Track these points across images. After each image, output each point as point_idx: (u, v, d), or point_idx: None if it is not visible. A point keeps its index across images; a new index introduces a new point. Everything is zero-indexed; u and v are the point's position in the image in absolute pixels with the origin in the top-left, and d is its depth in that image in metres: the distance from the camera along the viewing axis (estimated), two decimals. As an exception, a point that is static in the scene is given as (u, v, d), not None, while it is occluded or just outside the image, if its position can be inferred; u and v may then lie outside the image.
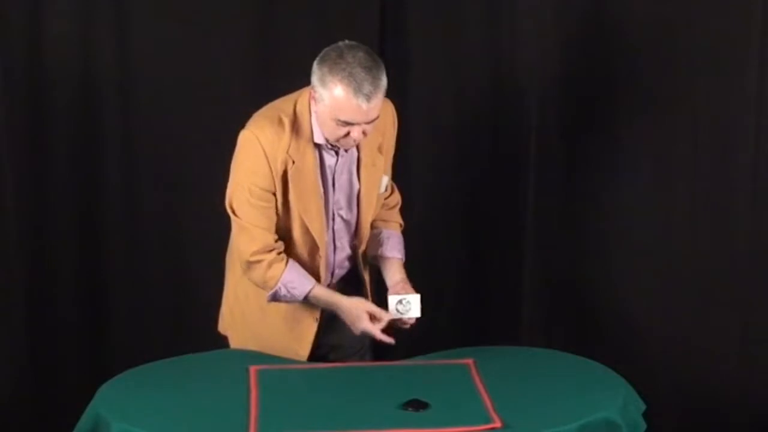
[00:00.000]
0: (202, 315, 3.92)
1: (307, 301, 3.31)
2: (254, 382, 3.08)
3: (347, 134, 3.12)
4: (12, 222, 4.06)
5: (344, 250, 3.40)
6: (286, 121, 3.20)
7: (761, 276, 4.10)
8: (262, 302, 3.34)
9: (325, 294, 3.31)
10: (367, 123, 3.11)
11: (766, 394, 4.16)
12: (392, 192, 3.53)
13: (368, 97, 3.05)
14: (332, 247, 3.36)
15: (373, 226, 3.46)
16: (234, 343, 3.50)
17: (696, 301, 4.16)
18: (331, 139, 3.17)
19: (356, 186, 3.33)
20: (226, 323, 3.52)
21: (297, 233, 3.29)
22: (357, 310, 3.28)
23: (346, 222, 3.37)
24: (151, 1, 4.07)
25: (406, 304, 3.31)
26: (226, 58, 4.09)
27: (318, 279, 3.34)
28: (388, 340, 3.29)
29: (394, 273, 3.43)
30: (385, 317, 3.29)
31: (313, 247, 3.32)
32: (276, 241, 3.27)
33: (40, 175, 4.12)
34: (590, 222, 4.23)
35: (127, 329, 4.25)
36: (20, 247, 4.10)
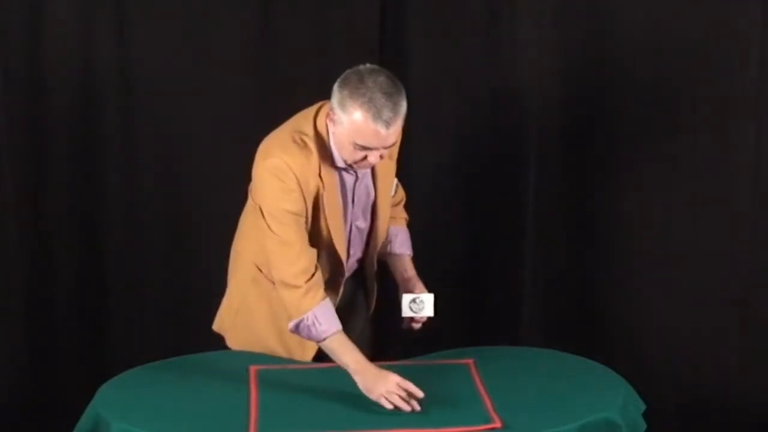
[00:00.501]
0: (202, 315, 3.91)
1: (325, 346, 3.18)
2: (254, 382, 3.08)
3: (364, 158, 3.10)
4: (12, 222, 4.06)
5: (356, 255, 3.40)
6: (312, 145, 3.16)
7: (761, 276, 4.10)
8: (276, 309, 3.31)
9: (348, 346, 3.15)
10: (385, 148, 3.09)
11: (766, 394, 4.16)
12: (397, 189, 3.54)
13: (387, 124, 3.02)
14: (347, 257, 3.35)
15: None
16: (232, 344, 3.50)
17: (696, 300, 4.16)
18: (349, 161, 3.14)
19: (372, 196, 3.33)
20: (226, 324, 3.51)
21: (322, 249, 3.25)
22: (385, 378, 3.06)
23: (359, 230, 3.36)
24: (151, 1, 4.07)
25: (420, 303, 3.30)
26: (225, 59, 4.08)
27: (336, 294, 3.32)
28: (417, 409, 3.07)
29: (404, 270, 3.42)
30: (419, 394, 3.05)
31: (336, 262, 3.30)
32: (317, 266, 3.20)
33: (40, 175, 4.11)
34: (590, 222, 4.23)
35: (127, 329, 4.25)
36: (20, 247, 4.10)
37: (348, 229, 3.31)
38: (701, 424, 4.22)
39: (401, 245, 3.47)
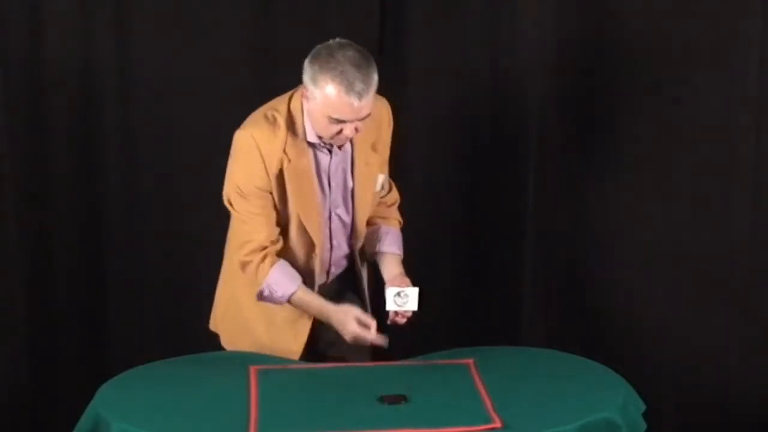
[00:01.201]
0: (202, 315, 3.91)
1: (292, 304, 3.31)
2: (254, 382, 3.08)
3: (339, 131, 3.15)
4: (12, 222, 4.06)
5: (341, 249, 3.41)
6: (281, 120, 3.23)
7: (761, 276, 4.10)
8: (254, 306, 3.37)
9: (311, 299, 3.32)
10: (359, 120, 3.14)
11: (766, 394, 4.16)
12: (390, 190, 3.54)
13: (360, 95, 3.08)
14: (329, 245, 3.38)
15: (371, 223, 3.48)
16: (225, 340, 3.50)
17: (696, 301, 4.16)
18: (324, 136, 3.20)
19: (350, 184, 3.35)
20: (218, 320, 3.53)
21: (294, 232, 3.31)
22: (345, 315, 3.28)
23: (342, 222, 3.38)
24: (151, 0, 4.07)
25: (404, 297, 3.30)
26: (225, 59, 4.08)
27: (312, 278, 3.35)
28: (381, 341, 3.29)
29: (392, 268, 3.44)
30: (372, 323, 3.28)
31: (310, 246, 3.33)
32: (275, 240, 3.28)
33: (40, 175, 4.11)
34: (591, 222, 4.23)
35: (127, 329, 4.25)
36: (20, 247, 4.10)
37: (328, 215, 3.34)
38: (701, 424, 4.22)
39: (390, 244, 3.48)
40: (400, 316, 3.33)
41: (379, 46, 4.15)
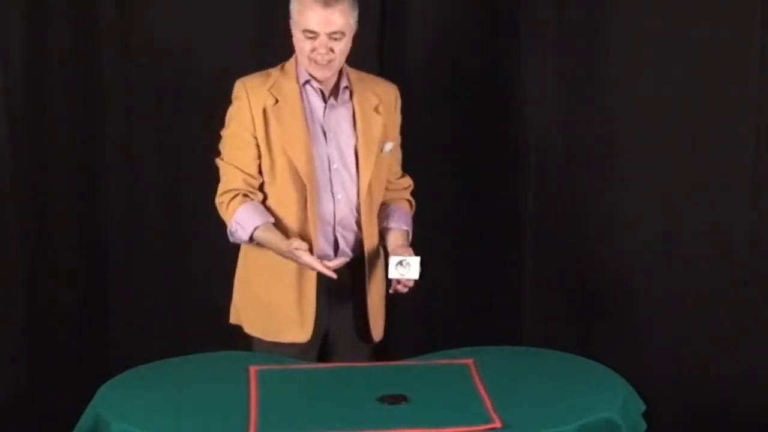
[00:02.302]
0: (202, 315, 3.92)
1: (256, 241, 3.36)
2: (254, 382, 3.08)
3: (314, 50, 3.29)
4: (12, 221, 4.06)
5: (348, 205, 3.43)
6: (273, 72, 3.43)
7: (761, 276, 4.10)
8: (266, 278, 3.42)
9: (274, 235, 3.35)
10: (331, 33, 3.28)
11: (766, 394, 4.16)
12: (403, 175, 3.62)
13: (326, 2, 3.25)
14: (331, 198, 3.40)
15: (384, 204, 3.53)
16: (248, 326, 3.51)
17: (696, 300, 4.16)
18: (304, 56, 3.32)
19: (352, 140, 3.42)
20: (238, 307, 3.55)
21: (284, 174, 3.37)
22: (289, 244, 3.29)
23: (346, 175, 3.42)
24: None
25: (406, 266, 3.32)
26: (225, 58, 4.08)
27: (307, 231, 3.37)
28: (329, 273, 3.29)
29: (395, 239, 3.47)
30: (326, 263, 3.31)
31: (303, 191, 3.37)
32: (252, 190, 3.38)
33: (40, 175, 4.11)
34: (591, 222, 4.23)
35: (127, 329, 4.25)
36: (20, 247, 4.10)
37: (325, 164, 3.39)
38: (701, 424, 4.22)
39: (398, 220, 3.53)
40: (401, 284, 3.36)
41: (379, 45, 4.16)
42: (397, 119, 3.54)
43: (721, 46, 4.01)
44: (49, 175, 4.13)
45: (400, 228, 3.51)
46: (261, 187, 3.41)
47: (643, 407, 3.14)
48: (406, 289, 3.38)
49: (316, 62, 3.32)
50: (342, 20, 3.29)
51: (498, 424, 2.84)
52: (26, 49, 4.02)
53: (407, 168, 3.85)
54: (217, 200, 3.42)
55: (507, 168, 4.28)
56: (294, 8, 3.33)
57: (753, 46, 3.98)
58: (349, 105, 3.43)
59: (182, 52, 4.10)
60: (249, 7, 4.13)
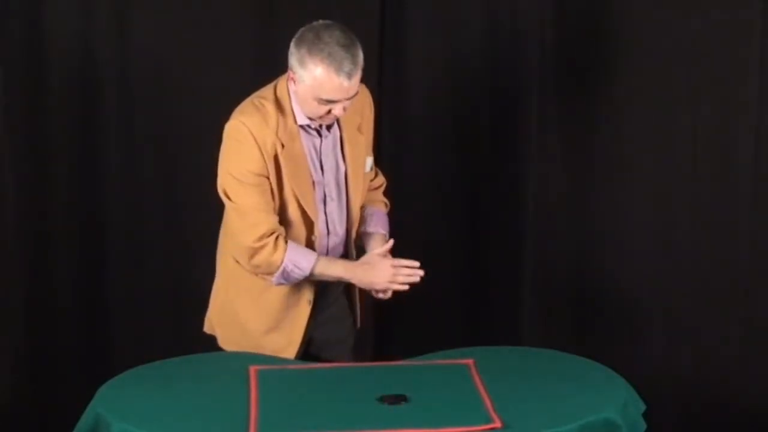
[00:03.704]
0: (202, 315, 3.91)
1: (314, 277, 3.30)
2: (254, 382, 3.08)
3: (329, 112, 3.19)
4: (12, 222, 4.06)
5: (337, 236, 3.41)
6: (270, 107, 3.26)
7: (761, 276, 4.10)
8: (255, 296, 3.38)
9: (334, 261, 3.33)
10: (348, 99, 3.17)
11: (766, 394, 4.16)
12: (377, 175, 3.57)
13: (349, 75, 3.12)
14: (326, 232, 3.38)
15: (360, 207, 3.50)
16: (223, 340, 3.50)
17: (696, 300, 4.16)
18: (313, 117, 3.23)
19: (342, 167, 3.37)
20: (214, 321, 3.53)
21: (293, 216, 3.31)
22: (375, 265, 3.27)
23: (338, 206, 3.39)
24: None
25: None
26: (226, 58, 4.09)
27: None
28: (415, 269, 3.27)
29: (374, 245, 3.44)
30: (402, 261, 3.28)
31: (309, 230, 3.34)
32: (279, 227, 3.29)
33: (40, 174, 4.12)
34: (590, 222, 4.23)
35: (127, 329, 4.25)
36: (20, 247, 4.10)
37: (323, 198, 3.34)
38: (701, 424, 4.22)
39: (375, 224, 3.50)
40: (381, 292, 3.34)
41: (379, 45, 4.16)
42: (372, 127, 3.48)
43: (721, 46, 4.01)
44: (49, 175, 4.13)
45: (377, 232, 3.49)
46: None
47: (643, 407, 3.13)
48: (388, 295, 3.35)
49: (327, 120, 3.23)
50: (359, 80, 3.17)
51: (498, 424, 2.83)
52: (26, 50, 4.02)
53: (408, 169, 3.86)
54: (255, 245, 3.24)
55: (507, 168, 4.27)
56: (304, 75, 3.15)
57: (753, 46, 3.98)
58: (337, 132, 3.37)
59: (184, 50, 4.10)
60: (250, 10, 4.12)
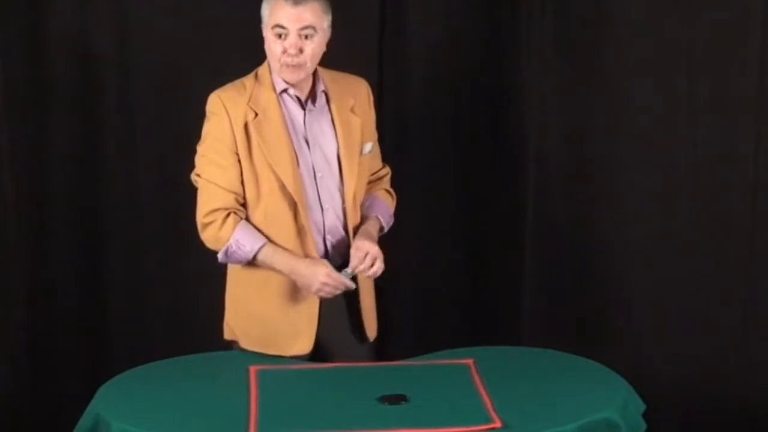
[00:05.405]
0: (202, 315, 3.91)
1: (257, 262, 3.32)
2: (254, 382, 3.08)
3: (285, 51, 3.25)
4: (12, 221, 4.06)
5: (335, 212, 3.40)
6: (248, 81, 3.38)
7: (761, 276, 4.10)
8: (263, 281, 3.38)
9: (280, 253, 3.32)
10: (301, 29, 3.24)
11: (766, 395, 4.15)
12: (383, 167, 3.60)
13: (297, 0, 3.24)
14: (320, 209, 3.38)
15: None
16: (243, 339, 3.46)
17: (696, 301, 4.16)
18: (276, 63, 3.29)
19: (333, 145, 3.39)
20: (231, 324, 3.50)
21: (271, 189, 3.32)
22: (316, 268, 3.29)
23: (331, 184, 3.39)
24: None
25: (345, 273, 3.34)
26: (225, 53, 4.08)
27: (307, 243, 3.34)
28: (350, 284, 3.32)
29: (362, 230, 3.43)
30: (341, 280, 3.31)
31: (290, 200, 3.33)
32: (239, 204, 3.33)
33: (40, 174, 4.12)
34: (590, 222, 4.23)
35: (127, 329, 4.25)
36: (20, 247, 4.10)
37: (311, 175, 3.35)
38: (701, 425, 4.22)
39: (369, 208, 3.50)
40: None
41: (378, 44, 4.16)
42: (372, 115, 3.51)
43: (721, 45, 4.00)
44: (49, 174, 4.13)
45: (366, 215, 3.49)
46: (244, 205, 3.36)
47: (643, 407, 3.14)
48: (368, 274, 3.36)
49: (287, 65, 3.28)
50: (312, 17, 3.25)
51: (498, 424, 2.84)
52: (26, 48, 4.02)
53: (408, 167, 3.86)
54: (204, 219, 3.32)
55: (507, 168, 4.27)
56: (265, 11, 3.30)
57: (753, 46, 3.97)
58: (327, 109, 3.40)
59: (183, 51, 4.10)
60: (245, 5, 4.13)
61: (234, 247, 3.30)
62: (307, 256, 3.34)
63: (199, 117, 4.06)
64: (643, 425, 3.07)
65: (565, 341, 3.85)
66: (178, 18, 4.10)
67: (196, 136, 4.06)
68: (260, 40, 4.06)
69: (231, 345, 3.51)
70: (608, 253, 4.23)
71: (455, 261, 4.36)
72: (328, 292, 3.30)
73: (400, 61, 4.20)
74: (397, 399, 2.96)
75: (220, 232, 3.30)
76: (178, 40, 4.10)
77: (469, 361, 3.21)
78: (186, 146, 4.12)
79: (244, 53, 4.07)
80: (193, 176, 3.37)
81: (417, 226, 4.17)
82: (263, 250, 3.31)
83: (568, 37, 4.12)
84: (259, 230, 3.34)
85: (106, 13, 4.06)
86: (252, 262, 3.33)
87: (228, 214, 3.31)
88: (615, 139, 4.15)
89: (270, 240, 3.34)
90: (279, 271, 3.33)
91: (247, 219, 3.35)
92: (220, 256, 3.34)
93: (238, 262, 3.35)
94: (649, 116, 4.10)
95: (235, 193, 3.32)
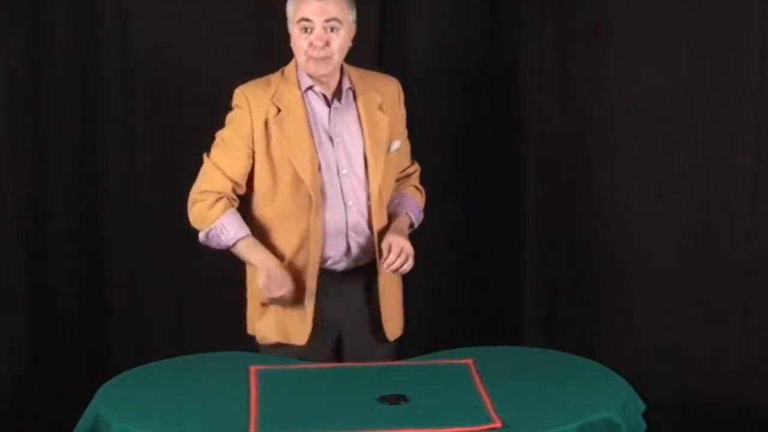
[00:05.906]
0: (202, 316, 3.92)
1: (235, 251, 3.34)
2: (254, 382, 3.08)
3: (311, 44, 3.26)
4: (12, 222, 4.06)
5: (359, 209, 3.39)
6: (273, 79, 3.39)
7: (761, 276, 4.10)
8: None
9: (259, 249, 3.33)
10: (326, 22, 3.26)
11: (767, 395, 4.15)
12: (413, 163, 3.60)
13: None
14: (343, 205, 3.37)
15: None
16: (263, 333, 3.47)
17: (696, 301, 4.16)
18: (302, 58, 3.30)
19: (359, 142, 3.39)
20: (251, 316, 3.52)
21: (289, 184, 3.33)
22: (270, 269, 3.31)
23: (357, 180, 3.38)
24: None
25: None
26: (225, 55, 4.09)
27: (309, 241, 3.34)
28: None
29: (391, 227, 3.43)
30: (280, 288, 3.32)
31: (307, 201, 3.33)
32: (234, 194, 3.35)
33: (40, 174, 4.12)
34: (591, 221, 4.24)
35: (127, 329, 4.25)
36: (20, 247, 4.10)
37: (334, 172, 3.35)
38: (701, 425, 4.22)
39: (397, 206, 3.50)
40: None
41: (379, 42, 4.17)
42: (401, 114, 3.51)
43: (721, 45, 4.00)
44: (49, 174, 4.13)
45: (395, 212, 3.49)
46: (241, 197, 3.38)
47: (643, 407, 3.13)
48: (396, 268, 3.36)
49: (313, 58, 3.28)
50: (337, 10, 3.28)
51: (498, 424, 2.83)
52: (26, 50, 4.02)
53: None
54: (196, 196, 3.35)
55: (507, 167, 4.27)
56: (290, 8, 3.32)
57: (753, 46, 3.97)
58: (353, 107, 3.40)
59: (183, 52, 4.10)
60: (249, 7, 4.13)
61: (217, 230, 3.32)
62: (310, 257, 3.34)
63: (200, 117, 4.08)
64: (643, 425, 3.07)
65: (565, 341, 3.85)
66: (178, 19, 4.10)
67: (196, 136, 4.08)
68: (260, 40, 4.10)
69: (254, 339, 3.53)
70: (608, 253, 4.23)
71: (455, 261, 4.36)
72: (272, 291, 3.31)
73: (400, 61, 4.19)
74: (396, 399, 2.95)
75: (209, 212, 3.32)
76: (178, 40, 4.10)
77: (469, 361, 3.21)
78: (186, 146, 4.13)
79: (245, 53, 4.11)
80: (204, 156, 3.40)
81: (416, 226, 4.16)
82: (245, 240, 3.33)
83: (569, 38, 4.13)
84: (268, 227, 3.36)
85: (107, 13, 4.06)
86: (228, 250, 3.35)
87: (221, 198, 3.33)
88: (615, 139, 4.15)
89: (277, 239, 3.35)
90: (252, 265, 3.36)
91: (257, 214, 3.37)
92: (201, 236, 3.36)
93: (218, 246, 3.36)
94: (649, 116, 4.10)
95: (234, 181, 3.34)
